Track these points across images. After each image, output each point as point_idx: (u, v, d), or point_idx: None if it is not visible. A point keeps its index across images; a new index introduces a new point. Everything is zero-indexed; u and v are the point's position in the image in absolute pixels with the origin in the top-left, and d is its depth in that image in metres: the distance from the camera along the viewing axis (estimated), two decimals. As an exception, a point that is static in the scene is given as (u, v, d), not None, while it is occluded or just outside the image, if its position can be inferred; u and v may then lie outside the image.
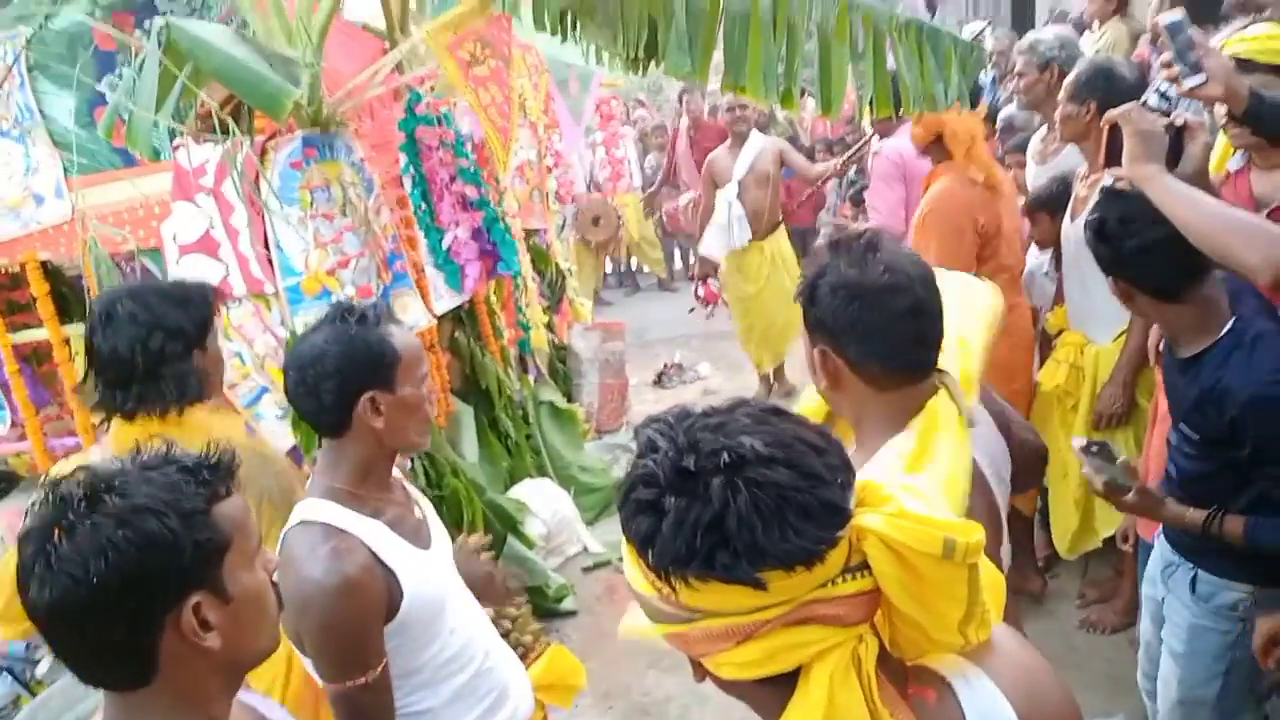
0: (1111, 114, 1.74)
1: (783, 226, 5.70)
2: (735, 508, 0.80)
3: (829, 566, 0.82)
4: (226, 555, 0.99)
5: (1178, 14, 1.84)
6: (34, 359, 3.57)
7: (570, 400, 5.32)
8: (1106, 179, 2.80)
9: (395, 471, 1.72)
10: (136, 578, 0.93)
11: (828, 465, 0.84)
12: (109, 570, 0.92)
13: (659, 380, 6.49)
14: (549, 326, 5.30)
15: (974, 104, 3.16)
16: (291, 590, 1.46)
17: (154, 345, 1.82)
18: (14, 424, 3.52)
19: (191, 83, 2.25)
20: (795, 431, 0.85)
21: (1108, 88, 2.79)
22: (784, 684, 0.86)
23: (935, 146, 3.13)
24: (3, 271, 3.29)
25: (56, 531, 0.94)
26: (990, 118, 4.13)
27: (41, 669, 3.46)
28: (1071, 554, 3.29)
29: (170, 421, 1.85)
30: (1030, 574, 3.39)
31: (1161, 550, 2.13)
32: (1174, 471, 2.03)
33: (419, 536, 1.65)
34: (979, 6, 13.55)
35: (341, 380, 1.53)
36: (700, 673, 0.93)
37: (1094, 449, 1.98)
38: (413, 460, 3.36)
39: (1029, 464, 1.69)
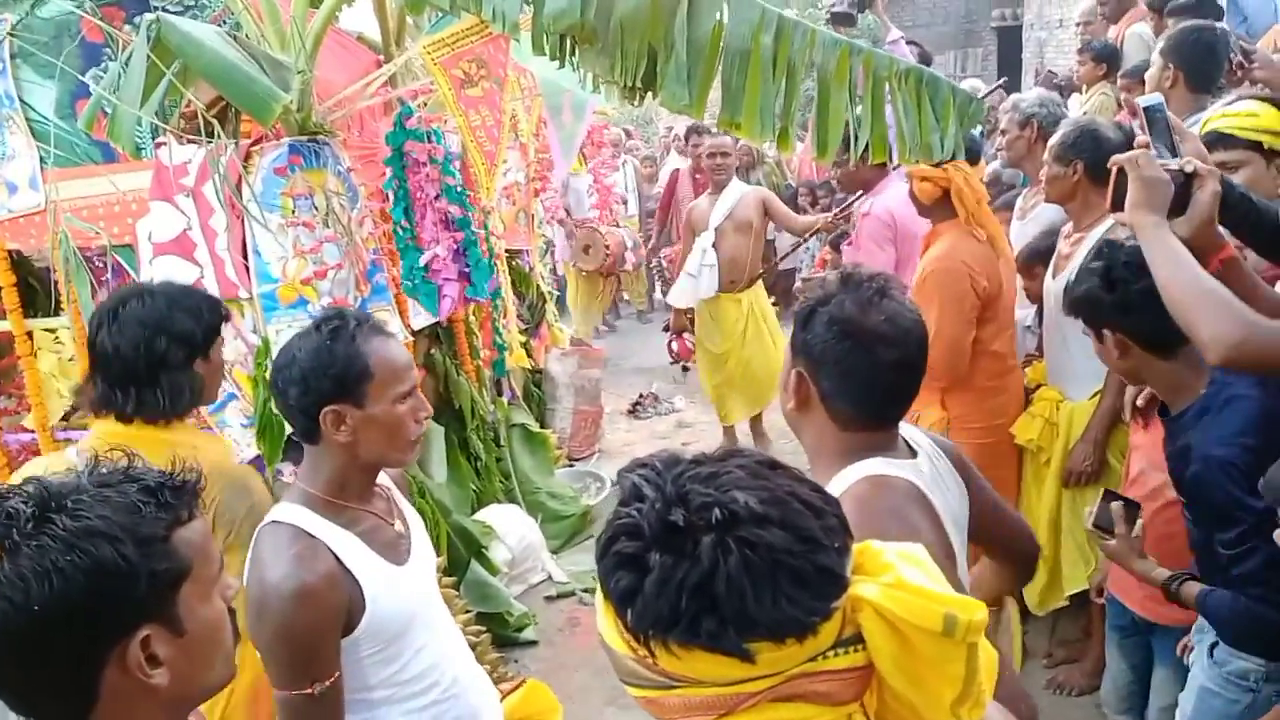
0: (1118, 159, 1.74)
1: (761, 281, 5.35)
2: (725, 570, 0.74)
3: (821, 639, 0.76)
4: (184, 585, 0.92)
5: (1156, 97, 1.89)
6: (-3, 350, 3.48)
7: (543, 425, 5.26)
8: (1105, 229, 2.84)
9: (387, 482, 1.69)
10: (82, 607, 0.85)
11: (825, 528, 0.78)
12: (52, 598, 0.84)
13: (633, 410, 6.45)
14: (526, 349, 5.25)
15: (974, 161, 3.13)
16: (252, 589, 1.46)
17: (158, 349, 1.78)
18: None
19: (179, 81, 2.20)
20: (791, 488, 0.80)
21: (1094, 149, 2.83)
22: None
23: (938, 204, 3.08)
24: (-32, 260, 3.21)
25: None
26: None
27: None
28: (1041, 610, 3.27)
29: (157, 431, 1.81)
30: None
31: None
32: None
33: (395, 551, 1.61)
34: (966, 65, 13.81)
35: (304, 390, 1.51)
36: None
37: (1115, 501, 2.04)
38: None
39: (1025, 561, 1.72)
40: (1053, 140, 2.94)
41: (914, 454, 1.43)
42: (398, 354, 1.59)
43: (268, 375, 1.59)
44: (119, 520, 0.88)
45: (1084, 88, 4.78)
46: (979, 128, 5.97)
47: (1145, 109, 1.86)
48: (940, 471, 1.45)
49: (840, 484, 1.32)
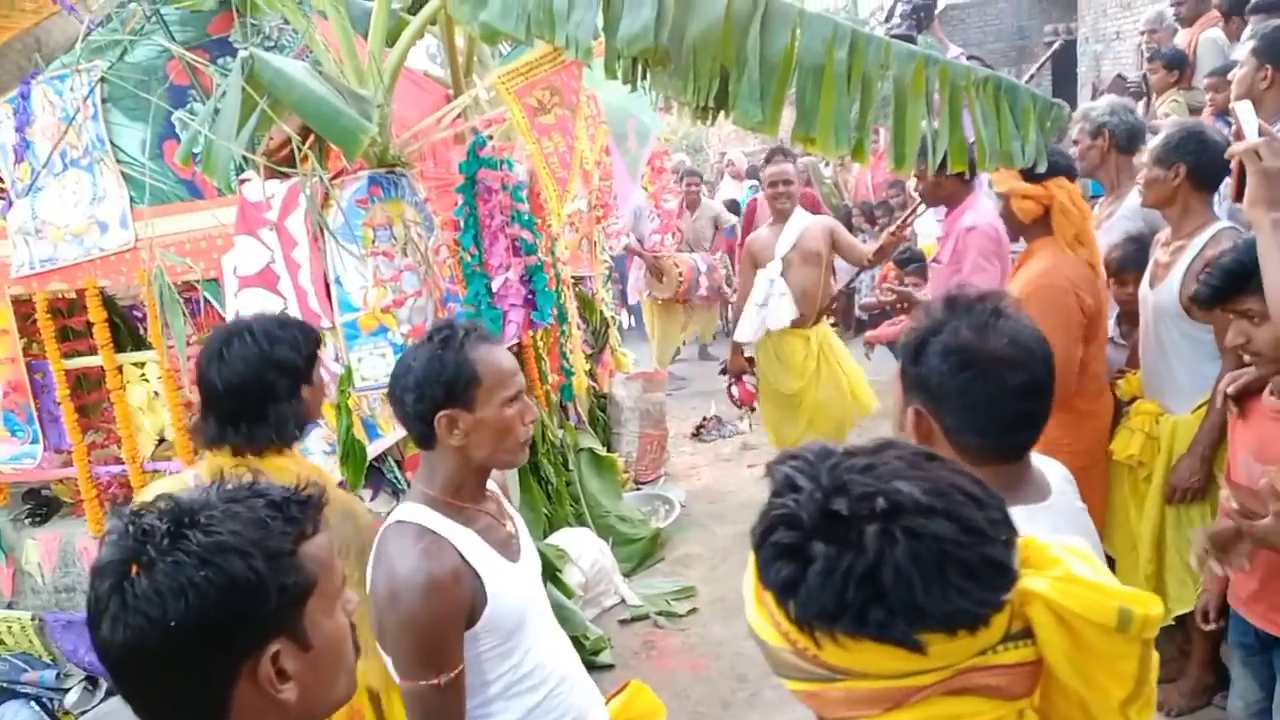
0: (1236, 149, 1.69)
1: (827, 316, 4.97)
2: (892, 559, 0.72)
3: (992, 631, 0.74)
4: (310, 599, 0.92)
5: (1247, 104, 1.86)
6: (83, 386, 3.59)
7: (609, 449, 5.27)
8: (1209, 236, 2.77)
9: (493, 486, 1.73)
10: (217, 623, 0.86)
11: (990, 520, 0.76)
12: (188, 613, 0.84)
13: (697, 433, 6.43)
14: (590, 374, 5.27)
15: (1073, 177, 3.01)
16: (380, 584, 1.50)
17: (266, 383, 1.85)
18: (59, 450, 3.52)
19: (270, 113, 2.27)
20: (953, 480, 0.78)
21: (1199, 151, 2.76)
22: None
23: (1036, 223, 2.95)
24: (59, 297, 3.33)
25: (134, 567, 0.86)
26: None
27: (71, 699, 3.42)
28: None
29: (265, 460, 1.87)
30: None
31: None
32: None
33: (509, 549, 1.66)
34: (1021, 79, 13.61)
35: (419, 396, 1.57)
36: None
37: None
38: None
39: None
40: (1154, 142, 2.85)
41: (1048, 492, 1.35)
42: (504, 360, 1.64)
43: (352, 400, 1.64)
44: (249, 535, 0.88)
45: (1155, 95, 4.69)
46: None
47: (1240, 110, 1.84)
48: (1074, 508, 1.38)
49: None
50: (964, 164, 2.46)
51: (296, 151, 2.15)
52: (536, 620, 1.67)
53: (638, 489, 5.37)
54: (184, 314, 2.88)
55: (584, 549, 4.08)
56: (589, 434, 5.09)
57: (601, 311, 5.46)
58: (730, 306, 7.41)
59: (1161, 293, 2.92)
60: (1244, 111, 2.07)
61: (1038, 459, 1.42)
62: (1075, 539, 0.81)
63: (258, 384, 1.84)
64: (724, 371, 5.08)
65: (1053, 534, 1.25)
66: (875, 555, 0.73)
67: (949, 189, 3.55)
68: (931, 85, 2.38)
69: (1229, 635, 2.52)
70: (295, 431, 1.92)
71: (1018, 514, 1.25)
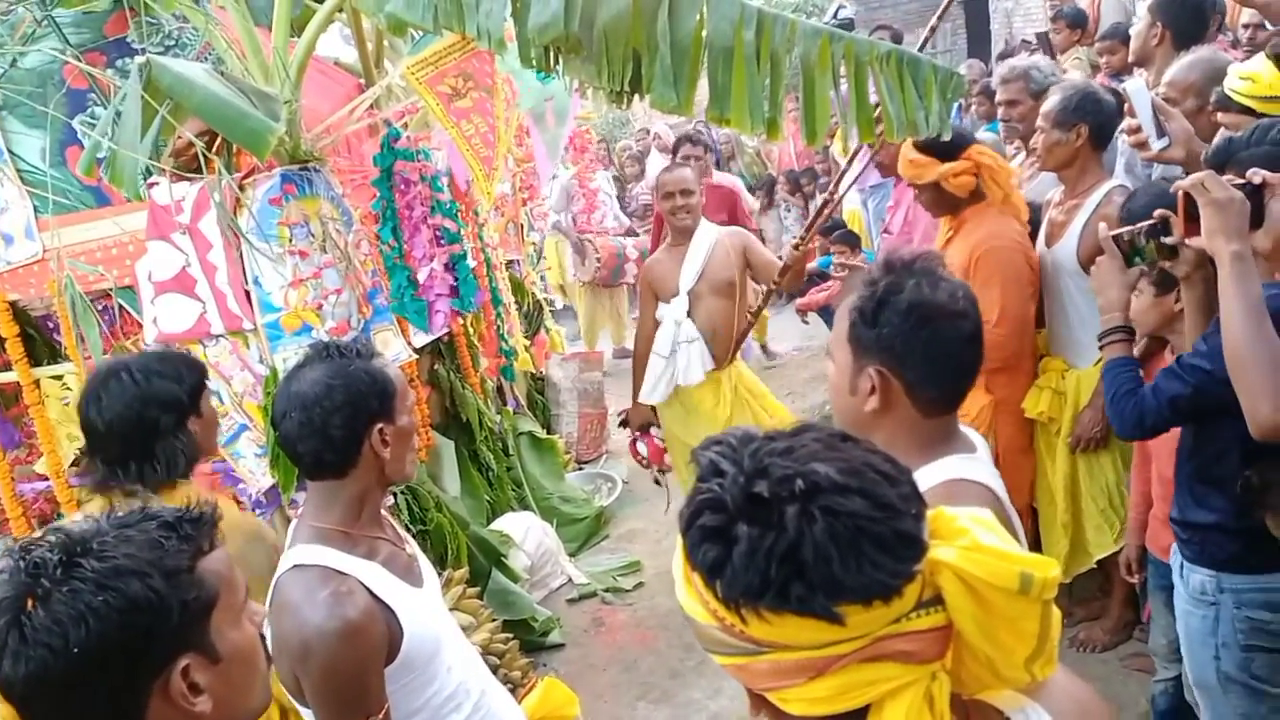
0: (1182, 184, 1.76)
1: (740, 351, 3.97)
2: (811, 537, 0.77)
3: (905, 600, 0.79)
4: (214, 612, 0.94)
5: (1138, 81, 1.93)
6: (1, 401, 3.49)
7: (549, 431, 5.29)
8: (1103, 194, 2.85)
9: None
10: (120, 644, 0.87)
11: (901, 495, 0.81)
12: (90, 638, 0.85)
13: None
14: (530, 357, 5.27)
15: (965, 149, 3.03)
16: (290, 637, 1.44)
17: (148, 421, 1.80)
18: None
19: (171, 119, 2.22)
20: (866, 459, 0.82)
21: (1097, 111, 2.83)
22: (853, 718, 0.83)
23: (970, 195, 3.00)
24: (-32, 314, 3.22)
25: (30, 601, 0.87)
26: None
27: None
28: (1066, 577, 3.29)
29: (160, 497, 1.82)
30: None
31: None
32: None
33: (412, 574, 1.63)
34: (937, 41, 13.86)
35: (352, 413, 1.51)
36: (758, 706, 0.88)
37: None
38: (395, 495, 3.31)
39: None
40: (1050, 105, 2.88)
41: (974, 445, 1.44)
42: (396, 368, 1.65)
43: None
44: (144, 556, 0.90)
45: (1059, 53, 4.82)
46: (957, 103, 6.00)
47: (1134, 92, 1.91)
48: (990, 464, 1.46)
49: (921, 483, 1.33)
50: (871, 137, 2.52)
51: (202, 155, 2.10)
52: (450, 640, 1.65)
53: (580, 469, 5.40)
54: (98, 323, 2.80)
55: (528, 533, 4.11)
56: (528, 417, 5.10)
57: (533, 294, 5.45)
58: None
59: (1059, 251, 3.02)
60: (1138, 97, 2.14)
61: (961, 426, 1.50)
62: (981, 510, 0.86)
63: (139, 422, 1.79)
64: (624, 424, 4.16)
65: (989, 478, 1.35)
66: (796, 534, 0.77)
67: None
68: (837, 61, 2.43)
69: (1148, 579, 2.65)
70: (186, 466, 1.86)
71: (955, 461, 1.36)
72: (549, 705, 1.88)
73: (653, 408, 3.93)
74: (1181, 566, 2.07)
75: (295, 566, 1.50)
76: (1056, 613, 0.85)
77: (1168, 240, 1.90)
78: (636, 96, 2.64)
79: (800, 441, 0.83)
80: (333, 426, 1.50)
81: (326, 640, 1.41)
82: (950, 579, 0.80)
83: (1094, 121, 2.85)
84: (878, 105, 2.49)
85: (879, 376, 1.36)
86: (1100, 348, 2.16)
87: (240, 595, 0.99)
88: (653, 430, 4.02)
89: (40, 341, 3.46)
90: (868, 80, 2.43)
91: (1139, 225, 1.98)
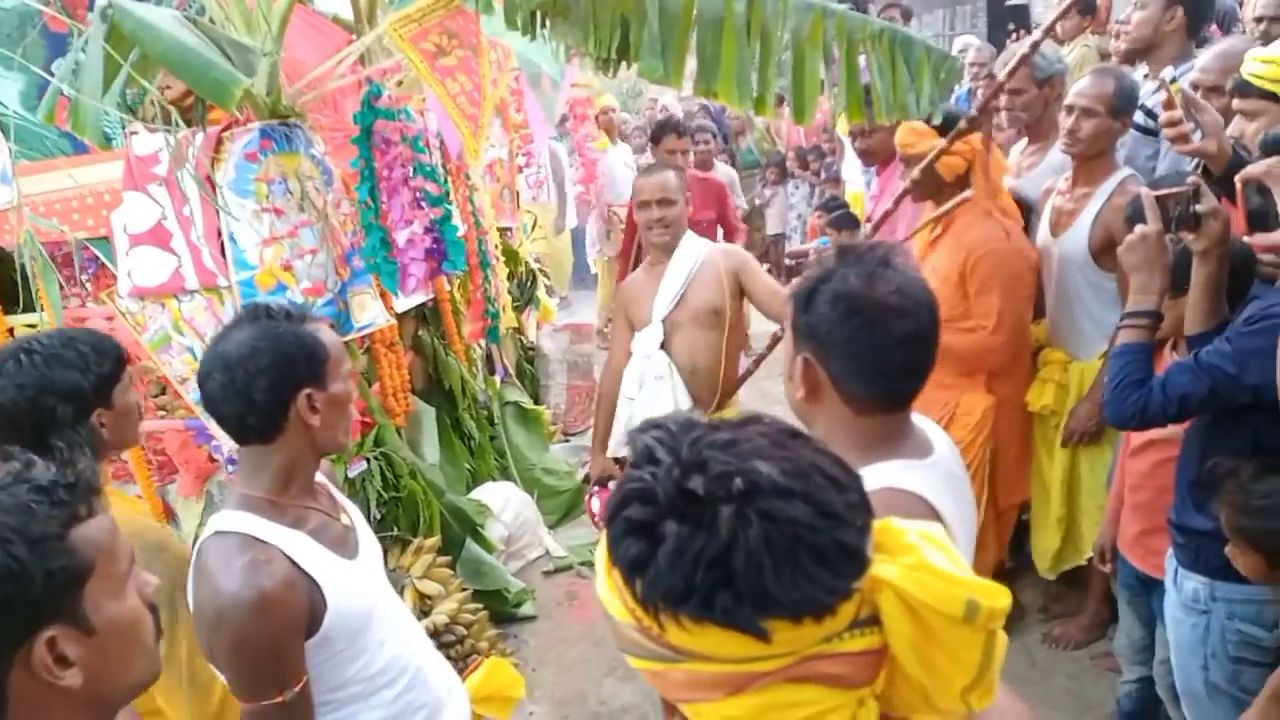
0: (1251, 170, 1.70)
1: (739, 395, 3.31)
2: (744, 543, 0.69)
3: (838, 619, 0.73)
4: (88, 583, 0.89)
5: (1171, 72, 1.88)
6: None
7: (537, 402, 5.25)
8: (1115, 183, 2.78)
9: (321, 478, 1.65)
10: None
11: (847, 503, 0.74)
12: None
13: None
14: (518, 328, 5.22)
15: (949, 126, 2.88)
16: (205, 605, 1.41)
17: (44, 407, 1.65)
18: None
19: (140, 68, 2.17)
20: (814, 460, 0.75)
21: (1134, 100, 2.81)
22: None
23: (954, 183, 2.90)
24: (-54, 258, 3.18)
25: None
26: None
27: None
28: (1052, 573, 3.27)
29: None
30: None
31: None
32: None
33: (344, 545, 1.58)
34: (956, 23, 13.65)
35: (277, 376, 1.46)
36: (671, 715, 0.82)
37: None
38: (369, 460, 3.28)
39: None
40: (1105, 90, 2.77)
41: (929, 451, 1.36)
42: (334, 334, 1.58)
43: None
44: (9, 521, 0.85)
45: (1066, 41, 4.71)
46: (967, 86, 5.89)
47: (1172, 81, 1.88)
48: (955, 474, 1.39)
49: None
50: (861, 116, 2.45)
51: (160, 105, 2.05)
52: (385, 614, 1.60)
53: (566, 440, 5.37)
54: (58, 279, 2.75)
55: (507, 503, 4.08)
56: (516, 387, 5.06)
57: (527, 262, 5.39)
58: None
59: (1066, 241, 2.95)
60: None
61: (924, 422, 1.43)
62: (931, 525, 0.79)
63: (32, 409, 1.63)
64: (586, 479, 3.76)
65: (930, 491, 1.28)
66: (728, 538, 0.70)
67: (892, 145, 3.22)
68: (829, 37, 2.36)
69: (1117, 576, 2.62)
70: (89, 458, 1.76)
71: (895, 467, 1.29)
72: (493, 685, 1.84)
73: (619, 460, 3.20)
74: (1176, 572, 2.04)
75: (216, 533, 1.47)
76: (1002, 641, 0.78)
77: (1199, 209, 1.85)
78: (625, 65, 2.59)
79: (745, 434, 0.76)
80: (256, 390, 1.45)
81: (240, 609, 1.37)
82: (890, 599, 0.74)
83: (1131, 113, 2.81)
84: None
85: (804, 365, 1.31)
86: (1120, 328, 2.03)
87: (122, 565, 0.95)
88: (612, 485, 3.50)
89: (27, 291, 3.43)
90: (858, 58, 2.37)
91: (1179, 188, 1.91)
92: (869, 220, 4.04)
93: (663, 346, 3.07)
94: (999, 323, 2.84)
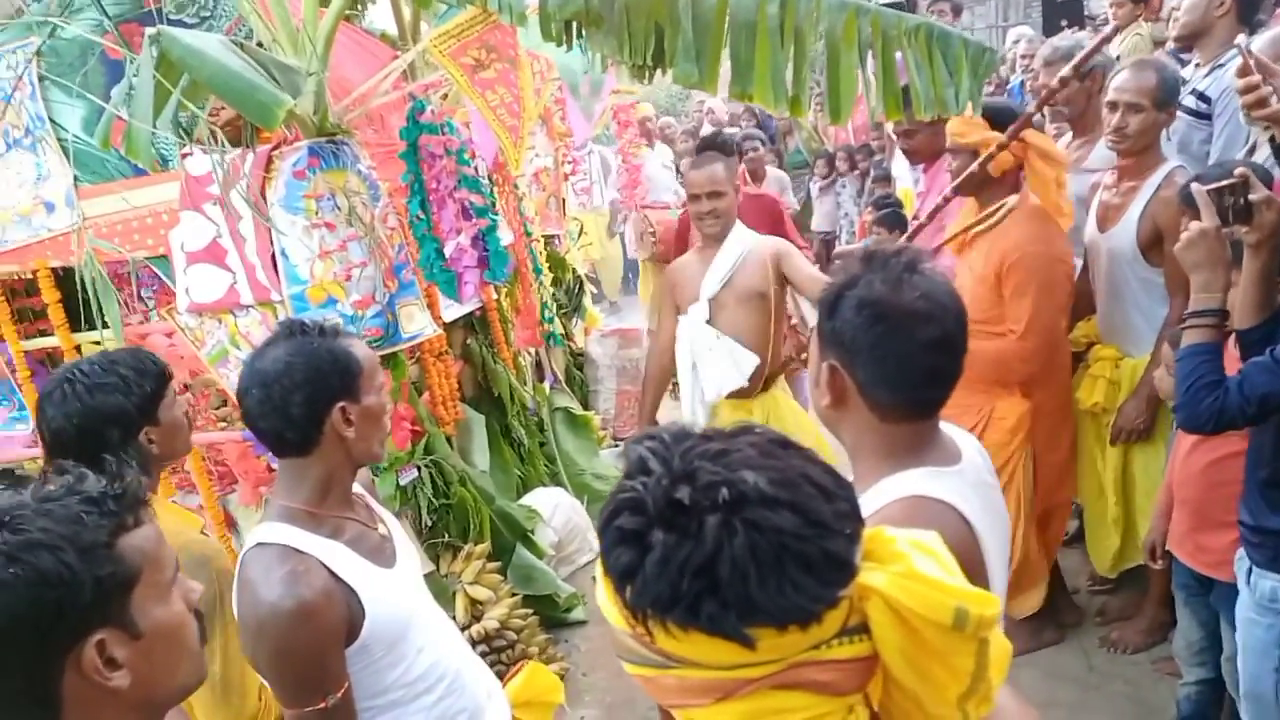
0: None
1: (783, 378, 3.53)
2: (729, 552, 0.71)
3: (825, 627, 0.74)
4: (135, 589, 0.94)
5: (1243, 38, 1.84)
6: (50, 364, 3.60)
7: (587, 407, 5.29)
8: (1162, 176, 2.71)
9: (358, 487, 1.69)
10: (29, 618, 0.87)
11: (836, 512, 0.75)
12: None
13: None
14: (566, 334, 5.27)
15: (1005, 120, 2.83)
16: (247, 614, 1.45)
17: (91, 431, 1.71)
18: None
19: (190, 92, 2.24)
20: (804, 469, 0.76)
21: (1177, 92, 2.79)
22: None
23: (1003, 179, 2.83)
24: (16, 279, 3.32)
25: None
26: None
27: None
28: (1113, 572, 3.22)
29: None
30: (1062, 603, 3.28)
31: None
32: None
33: (381, 555, 1.62)
34: (1009, 12, 13.40)
35: (312, 391, 1.50)
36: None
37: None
38: (419, 468, 3.34)
39: None
40: (1148, 83, 2.72)
41: (957, 458, 1.34)
42: (366, 347, 1.63)
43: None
44: (60, 530, 0.90)
45: (1121, 29, 4.60)
46: (1019, 78, 5.76)
47: (1249, 49, 1.85)
48: (984, 481, 1.37)
49: (878, 497, 1.27)
50: (899, 113, 2.43)
51: (206, 131, 2.12)
52: (423, 621, 1.64)
53: (616, 445, 5.40)
54: (117, 298, 2.85)
55: (557, 508, 4.11)
56: (565, 393, 5.11)
57: (574, 269, 5.44)
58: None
59: (1115, 236, 2.89)
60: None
61: (952, 429, 1.41)
62: (927, 533, 0.79)
63: (79, 436, 1.70)
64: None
65: (959, 499, 1.27)
66: (713, 547, 0.71)
67: (939, 144, 3.16)
68: (864, 35, 2.34)
69: (1173, 578, 2.55)
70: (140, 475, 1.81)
71: (923, 475, 1.28)
72: (532, 690, 1.86)
73: None
74: (1250, 572, 1.98)
75: (258, 544, 1.51)
76: (1001, 649, 0.78)
77: (1252, 198, 1.80)
78: (660, 71, 2.60)
79: (735, 444, 0.77)
80: (293, 405, 1.49)
81: (279, 619, 1.41)
82: (879, 607, 0.74)
83: (1175, 102, 2.75)
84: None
85: (829, 372, 1.31)
86: (1184, 328, 1.97)
87: (168, 573, 0.99)
88: None
89: (87, 308, 3.57)
90: (895, 55, 2.35)
91: (1227, 181, 1.85)
92: (915, 217, 3.98)
93: (710, 324, 3.26)
94: (1028, 329, 2.76)
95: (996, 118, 2.77)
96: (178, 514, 2.11)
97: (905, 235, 3.34)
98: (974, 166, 2.81)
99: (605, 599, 0.80)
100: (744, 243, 3.28)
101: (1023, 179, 2.87)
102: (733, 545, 0.71)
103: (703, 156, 3.32)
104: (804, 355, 3.46)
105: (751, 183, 5.88)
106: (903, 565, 0.75)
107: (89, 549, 0.90)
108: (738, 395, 3.33)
